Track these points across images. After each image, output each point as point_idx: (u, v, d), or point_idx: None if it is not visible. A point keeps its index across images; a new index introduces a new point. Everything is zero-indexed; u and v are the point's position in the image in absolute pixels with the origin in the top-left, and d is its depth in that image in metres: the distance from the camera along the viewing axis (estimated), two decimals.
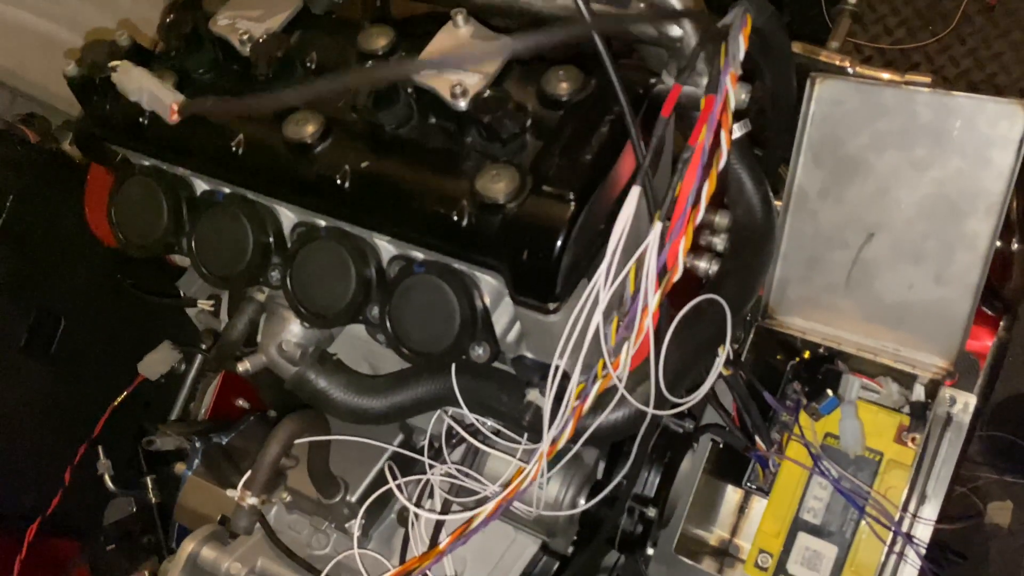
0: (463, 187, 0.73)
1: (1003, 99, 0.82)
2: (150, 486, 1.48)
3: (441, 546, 0.85)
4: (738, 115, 0.91)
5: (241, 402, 1.39)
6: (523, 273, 0.70)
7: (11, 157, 1.43)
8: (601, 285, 0.70)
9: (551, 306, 0.71)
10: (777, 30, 0.83)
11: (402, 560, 0.94)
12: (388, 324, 0.78)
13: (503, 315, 0.80)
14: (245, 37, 0.85)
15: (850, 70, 0.96)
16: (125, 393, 1.54)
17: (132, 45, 0.89)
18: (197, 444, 1.16)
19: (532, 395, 0.78)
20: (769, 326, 1.00)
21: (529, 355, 0.80)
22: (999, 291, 1.03)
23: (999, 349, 1.13)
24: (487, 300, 0.77)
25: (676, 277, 0.74)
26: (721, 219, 0.93)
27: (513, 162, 0.73)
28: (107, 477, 1.49)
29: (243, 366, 0.86)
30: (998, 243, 0.90)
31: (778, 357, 1.11)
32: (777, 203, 0.98)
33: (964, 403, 1.08)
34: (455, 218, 0.73)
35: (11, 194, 1.40)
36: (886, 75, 0.95)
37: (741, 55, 0.73)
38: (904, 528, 0.91)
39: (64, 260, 1.47)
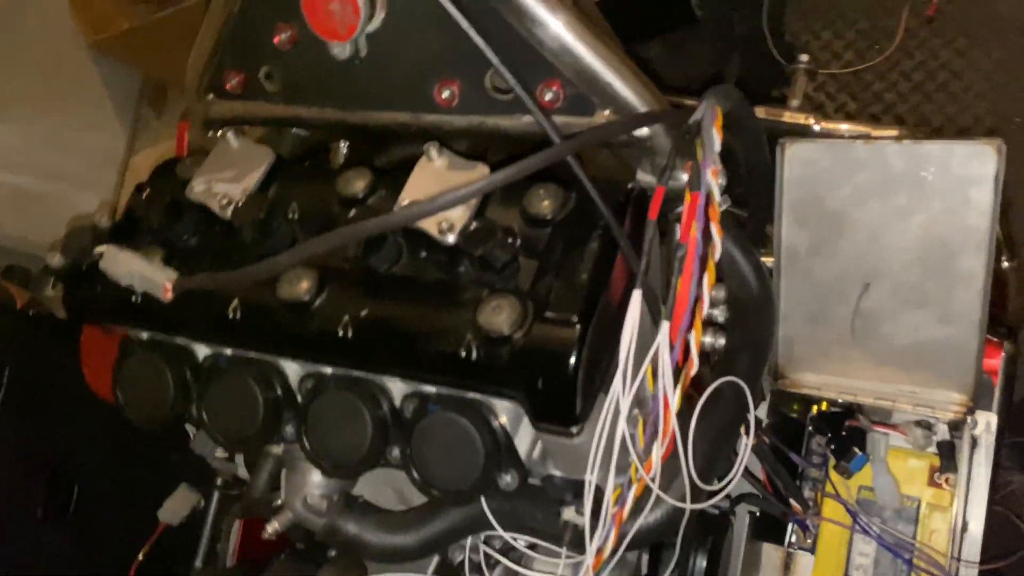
0: (465, 321, 0.73)
1: (971, 141, 0.84)
2: None
3: None
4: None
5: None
6: (541, 401, 0.71)
7: (1, 329, 1.43)
8: (620, 395, 0.70)
9: (574, 429, 0.71)
10: (745, 111, 0.84)
11: None
12: (411, 466, 0.77)
13: (525, 436, 0.79)
14: (225, 202, 0.86)
15: (816, 127, 0.98)
16: (148, 545, 1.51)
17: (113, 226, 0.89)
18: None
19: (568, 514, 0.77)
20: (784, 387, 1.00)
21: (558, 473, 0.80)
22: (1000, 318, 1.04)
23: (1009, 363, 1.14)
24: (507, 425, 0.77)
25: (693, 372, 0.74)
26: (717, 292, 0.94)
27: (511, 289, 0.74)
28: None
29: (272, 528, 0.86)
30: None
31: (795, 408, 1.11)
32: (768, 259, 0.99)
33: (986, 422, 1.08)
34: (462, 354, 0.73)
35: (7, 367, 1.40)
36: (846, 126, 0.97)
37: (718, 148, 0.75)
38: (953, 574, 0.90)
39: (70, 421, 1.46)
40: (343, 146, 1.14)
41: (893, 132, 0.89)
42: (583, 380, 0.70)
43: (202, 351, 0.90)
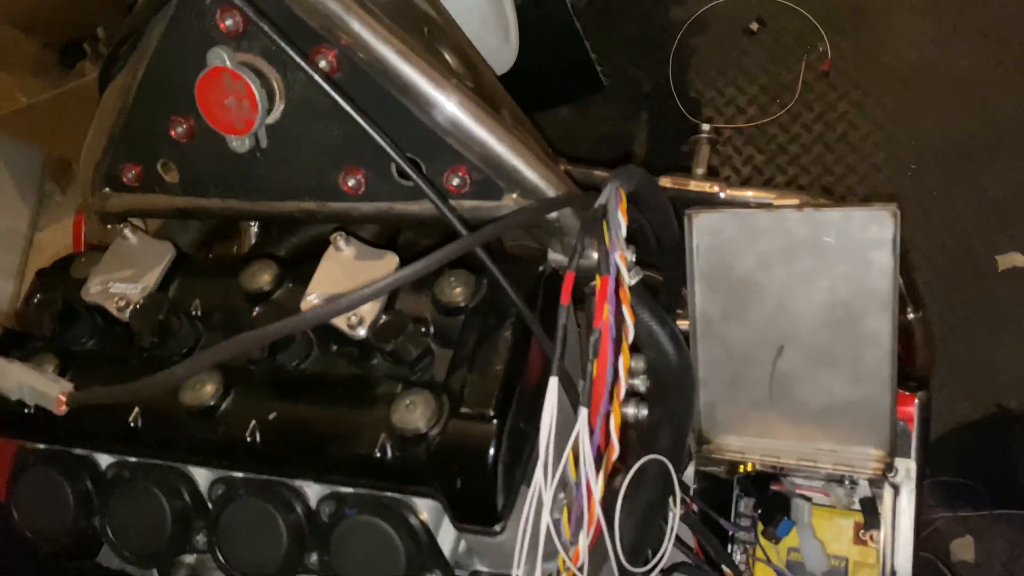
0: (379, 420, 0.71)
1: (869, 206, 0.87)
2: None
3: None
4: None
5: None
6: (460, 501, 0.69)
7: None
8: (542, 487, 0.69)
9: (496, 527, 0.69)
10: (650, 187, 0.85)
11: None
12: (331, 574, 0.74)
13: (449, 532, 0.77)
14: (122, 304, 0.82)
15: (721, 195, 1.00)
16: None
17: (1, 335, 0.84)
18: None
19: None
20: (708, 453, 1.01)
21: (484, 569, 0.78)
22: (909, 372, 1.07)
23: (923, 409, 1.16)
24: (428, 522, 0.75)
25: (615, 456, 0.74)
26: (636, 363, 0.94)
27: (425, 383, 0.72)
28: None
29: None
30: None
31: (721, 469, 1.11)
32: (684, 324, 1.00)
33: (906, 469, 1.10)
34: (376, 454, 0.70)
35: None
36: (751, 192, 0.99)
37: (623, 232, 0.75)
38: None
39: None
40: (253, 228, 1.11)
41: (795, 200, 0.91)
42: (503, 477, 0.68)
43: (105, 460, 0.85)
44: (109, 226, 0.97)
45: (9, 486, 0.84)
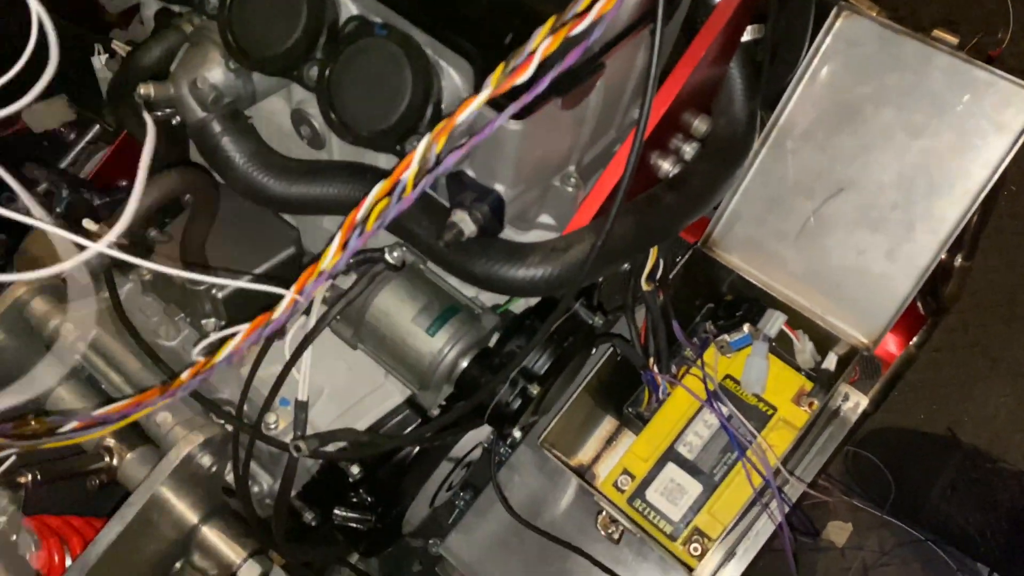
0: None
1: (1019, 80, 0.79)
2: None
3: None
4: (756, 18, 0.85)
5: (124, 184, 1.25)
6: (499, 61, 0.62)
7: None
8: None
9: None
10: None
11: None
12: (327, 84, 0.68)
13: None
14: None
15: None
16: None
17: None
18: (64, 193, 1.02)
19: (458, 216, 0.69)
20: (706, 253, 0.95)
21: (470, 172, 0.72)
22: (938, 291, 1.01)
23: (904, 364, 1.12)
24: (445, 93, 0.68)
25: None
26: (700, 124, 0.87)
27: None
28: None
29: (145, 89, 0.75)
30: (943, 255, 0.88)
31: (696, 303, 1.06)
32: None
33: (856, 402, 1.06)
34: None
35: None
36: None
37: None
38: (777, 484, 0.88)
39: None
40: None
41: (953, 40, 0.82)
42: None
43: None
44: None
45: None
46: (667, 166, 0.86)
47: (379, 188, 0.55)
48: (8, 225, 1.21)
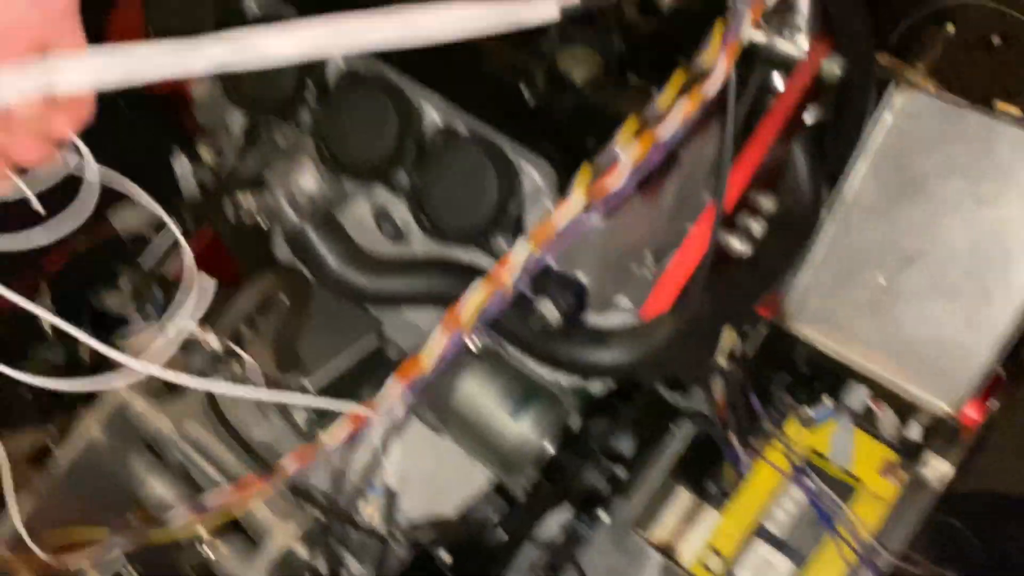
0: (539, 62, 0.68)
1: None
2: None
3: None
4: (816, 96, 0.88)
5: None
6: (581, 162, 0.65)
7: None
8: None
9: None
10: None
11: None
12: (416, 187, 0.72)
13: (535, 219, 0.75)
14: None
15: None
16: (91, 242, 1.45)
17: None
18: (158, 295, 1.08)
19: (543, 305, 0.72)
20: (782, 328, 0.96)
21: (552, 263, 0.75)
22: (1019, 354, 1.00)
23: (988, 428, 1.10)
24: (527, 190, 0.72)
25: None
26: (766, 202, 0.90)
27: (595, 46, 0.69)
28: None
29: (246, 200, 0.80)
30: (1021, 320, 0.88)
31: (771, 375, 1.07)
32: None
33: (942, 470, 1.04)
34: (524, 90, 0.68)
35: None
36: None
37: None
38: (868, 558, 0.87)
39: None
40: None
41: (1016, 112, 0.84)
42: None
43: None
44: None
45: None
46: (736, 243, 0.88)
47: (480, 289, 0.59)
48: (106, 322, 1.28)
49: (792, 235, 0.89)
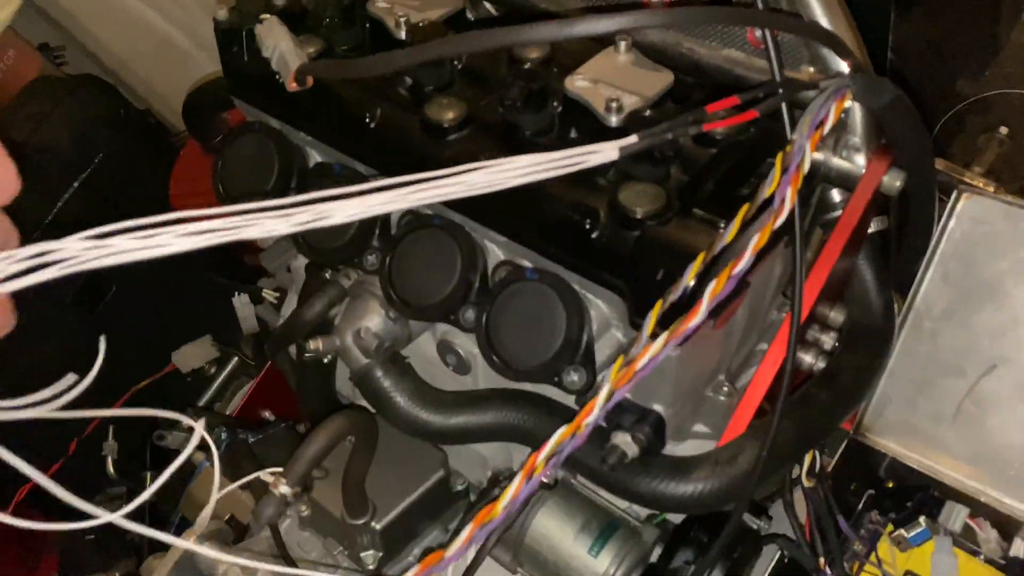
0: (600, 198, 0.69)
1: None
2: (149, 480, 1.40)
3: None
4: (879, 209, 0.87)
5: (267, 414, 1.32)
6: (650, 295, 0.65)
7: (110, 117, 1.44)
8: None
9: None
10: (905, 116, 0.76)
11: None
12: (484, 326, 0.72)
13: (605, 348, 0.74)
14: (402, 20, 0.84)
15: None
16: (151, 379, 1.48)
17: (287, 5, 0.88)
18: (223, 435, 1.08)
19: (619, 438, 0.71)
20: (863, 441, 0.93)
21: (627, 395, 0.73)
22: None
23: None
24: (595, 321, 0.72)
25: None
26: (836, 315, 0.88)
27: (655, 181, 0.69)
28: (110, 460, 1.41)
29: (315, 344, 0.81)
30: None
31: (852, 488, 1.02)
32: None
33: None
34: (587, 227, 0.68)
35: (101, 152, 1.40)
36: None
37: (826, 124, 0.66)
38: None
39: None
40: None
41: None
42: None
43: (316, 158, 0.87)
44: None
45: (225, 136, 0.87)
46: (809, 358, 0.86)
47: (561, 432, 0.57)
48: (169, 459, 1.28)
49: (869, 350, 0.86)
